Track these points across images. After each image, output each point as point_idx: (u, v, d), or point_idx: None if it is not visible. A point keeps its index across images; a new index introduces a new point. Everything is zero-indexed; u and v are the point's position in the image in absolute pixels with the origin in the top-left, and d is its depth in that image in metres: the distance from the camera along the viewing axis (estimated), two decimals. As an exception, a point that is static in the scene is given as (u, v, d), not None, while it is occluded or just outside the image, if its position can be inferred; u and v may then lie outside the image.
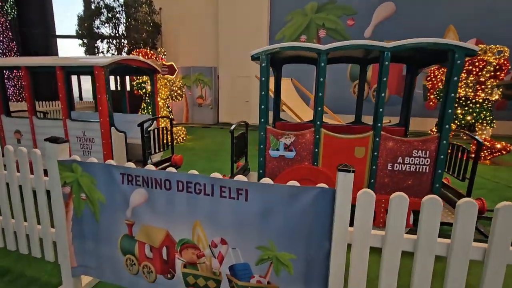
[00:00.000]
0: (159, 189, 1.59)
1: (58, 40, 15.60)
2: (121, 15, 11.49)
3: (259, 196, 1.42)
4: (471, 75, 6.71)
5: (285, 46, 2.63)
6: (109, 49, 12.47)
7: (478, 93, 6.72)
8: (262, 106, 2.76)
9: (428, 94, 8.63)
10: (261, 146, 2.82)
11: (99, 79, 3.14)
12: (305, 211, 1.37)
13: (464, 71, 6.65)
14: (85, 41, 12.05)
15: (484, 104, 6.76)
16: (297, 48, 2.61)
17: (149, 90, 7.98)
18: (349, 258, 1.37)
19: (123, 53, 12.24)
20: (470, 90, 6.82)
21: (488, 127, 6.74)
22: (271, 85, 4.50)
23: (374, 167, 2.59)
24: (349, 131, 2.80)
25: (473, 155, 2.79)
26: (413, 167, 2.55)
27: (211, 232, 1.54)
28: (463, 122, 6.99)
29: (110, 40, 12.27)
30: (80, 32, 11.74)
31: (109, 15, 11.55)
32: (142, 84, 7.79)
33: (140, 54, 8.25)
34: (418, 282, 1.30)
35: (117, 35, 12.10)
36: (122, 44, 11.94)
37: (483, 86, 6.62)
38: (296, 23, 12.21)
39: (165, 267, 1.68)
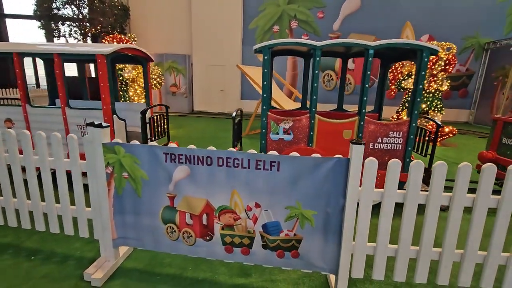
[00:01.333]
0: (200, 165, 1.89)
1: (8, 20, 14.11)
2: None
3: (289, 166, 1.79)
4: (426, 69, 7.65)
5: (285, 41, 2.98)
6: (71, 32, 11.67)
7: (431, 84, 7.70)
8: (265, 95, 3.10)
9: (390, 84, 9.58)
10: (263, 130, 3.18)
11: (102, 67, 3.21)
12: (326, 176, 1.78)
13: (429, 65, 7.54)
14: (43, 22, 11.12)
15: (436, 94, 7.78)
16: (296, 43, 2.97)
17: (126, 77, 7.80)
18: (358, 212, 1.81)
19: (88, 38, 11.53)
20: (425, 82, 7.78)
21: (439, 114, 7.79)
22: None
23: (358, 146, 3.10)
24: (336, 117, 3.26)
25: (433, 136, 3.44)
26: (389, 145, 3.11)
27: (247, 198, 1.89)
28: (420, 110, 7.97)
29: (73, 23, 11.46)
30: (38, 12, 10.79)
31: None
32: (119, 72, 7.59)
33: (115, 40, 7.98)
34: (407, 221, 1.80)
35: (80, 17, 11.32)
36: (87, 27, 11.22)
37: (435, 78, 7.61)
38: (269, 14, 12.48)
39: (204, 231, 2.00)
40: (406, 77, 8.49)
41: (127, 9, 11.86)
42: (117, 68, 7.51)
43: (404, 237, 1.81)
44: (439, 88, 7.66)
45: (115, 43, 7.92)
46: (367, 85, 3.00)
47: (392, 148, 3.11)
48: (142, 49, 3.95)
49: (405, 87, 8.10)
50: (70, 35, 11.68)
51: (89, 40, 11.79)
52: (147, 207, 2.04)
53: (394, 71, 9.31)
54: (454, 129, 7.09)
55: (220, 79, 12.94)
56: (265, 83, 3.08)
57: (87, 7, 11.09)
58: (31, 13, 12.91)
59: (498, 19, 11.56)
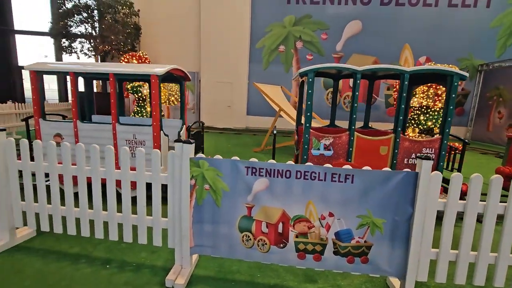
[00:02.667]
0: (279, 178, 2.09)
1: (17, 36, 14.41)
2: (99, 15, 11.09)
3: (362, 179, 2.02)
4: (431, 88, 8.12)
5: (330, 66, 3.28)
6: (82, 49, 11.98)
7: (436, 103, 8.15)
8: (308, 114, 3.36)
9: (394, 102, 10.04)
10: (306, 146, 3.42)
11: (155, 86, 3.44)
12: (395, 188, 2.00)
13: (432, 85, 8.00)
14: (57, 39, 11.41)
15: (440, 112, 8.22)
16: (339, 68, 3.28)
17: (144, 94, 8.02)
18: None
19: (98, 55, 11.82)
20: (430, 100, 8.24)
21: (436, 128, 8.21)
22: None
23: (394, 161, 3.36)
24: (370, 134, 3.53)
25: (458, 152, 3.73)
26: (422, 161, 3.36)
27: (321, 208, 2.09)
28: (425, 126, 8.38)
29: (85, 40, 11.79)
30: (53, 30, 11.09)
31: (86, 15, 11.11)
32: (139, 88, 7.82)
33: (134, 58, 8.27)
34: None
35: (93, 35, 11.65)
36: (99, 44, 11.52)
37: (440, 98, 8.06)
38: (276, 34, 13.06)
39: (279, 239, 2.17)
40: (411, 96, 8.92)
41: (139, 28, 12.26)
42: (136, 84, 7.74)
43: (465, 243, 2.03)
44: (443, 106, 8.10)
45: (134, 60, 8.20)
46: (403, 106, 3.29)
47: (425, 163, 3.37)
48: (182, 69, 4.21)
49: (411, 105, 8.52)
50: (81, 51, 11.99)
51: (98, 57, 12.07)
52: (225, 216, 2.21)
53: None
54: (460, 145, 7.47)
55: (227, 96, 13.29)
56: (309, 103, 3.35)
57: (101, 26, 11.45)
58: (39, 29, 13.22)
59: (490, 42, 12.35)
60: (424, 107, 8.47)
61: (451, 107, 3.22)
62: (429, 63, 11.07)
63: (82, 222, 2.50)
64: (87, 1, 11.29)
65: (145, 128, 3.58)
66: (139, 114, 8.14)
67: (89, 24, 11.46)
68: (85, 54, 12.09)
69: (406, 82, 3.23)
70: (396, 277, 2.13)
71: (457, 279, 2.09)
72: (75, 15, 11.00)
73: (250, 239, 2.22)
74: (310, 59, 13.13)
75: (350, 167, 2.05)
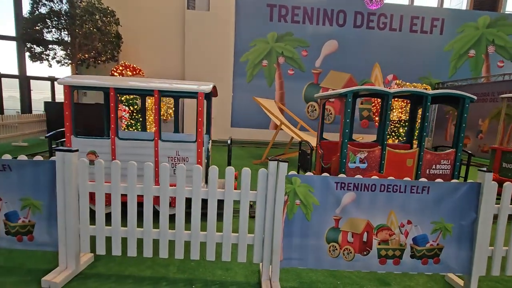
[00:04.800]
0: (366, 191, 2.33)
1: (-26, 39, 12.94)
2: (79, 21, 10.44)
3: (436, 190, 2.34)
4: (409, 104, 9.12)
5: (364, 88, 3.65)
6: (55, 56, 11.16)
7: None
8: (347, 130, 3.68)
9: (374, 116, 11.00)
10: (343, 160, 3.71)
11: (201, 103, 3.49)
12: (461, 196, 2.36)
13: (407, 101, 8.95)
14: (28, 45, 10.49)
15: (417, 125, 9.25)
16: (374, 90, 3.66)
17: (139, 107, 7.75)
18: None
19: (75, 63, 11.08)
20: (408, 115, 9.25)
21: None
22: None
23: (419, 172, 3.81)
24: (396, 148, 3.96)
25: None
26: (441, 171, 3.87)
27: (401, 217, 2.37)
28: (404, 138, 9.33)
29: (60, 47, 10.99)
30: (24, 35, 10.18)
31: (63, 21, 10.42)
32: (134, 101, 7.55)
33: (128, 69, 7.99)
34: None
35: (69, 42, 10.91)
36: (77, 52, 10.81)
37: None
38: (259, 49, 13.51)
39: (363, 247, 2.39)
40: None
41: (120, 37, 11.80)
42: (132, 97, 7.48)
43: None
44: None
45: (128, 72, 7.92)
46: (426, 124, 3.77)
47: (443, 173, 3.88)
48: (215, 86, 4.28)
49: (391, 119, 9.44)
50: (53, 58, 11.15)
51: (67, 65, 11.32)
52: (314, 229, 2.37)
53: (377, 105, 10.79)
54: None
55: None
56: (347, 120, 3.67)
57: (79, 32, 10.78)
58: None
59: (444, 64, 14.21)
60: (403, 121, 9.45)
61: (464, 125, 3.78)
62: (396, 81, 12.35)
63: (145, 242, 2.45)
64: (62, 7, 10.61)
65: (189, 144, 3.58)
66: (133, 128, 7.83)
67: (65, 31, 10.74)
68: (58, 62, 11.26)
69: (428, 103, 3.72)
70: (462, 273, 2.47)
71: (508, 271, 2.49)
72: (50, 21, 10.25)
73: (336, 249, 2.40)
74: (292, 74, 13.79)
75: (426, 180, 2.36)
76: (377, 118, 10.61)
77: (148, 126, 8.07)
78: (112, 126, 3.48)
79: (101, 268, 2.55)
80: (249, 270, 2.65)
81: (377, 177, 2.33)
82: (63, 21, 10.41)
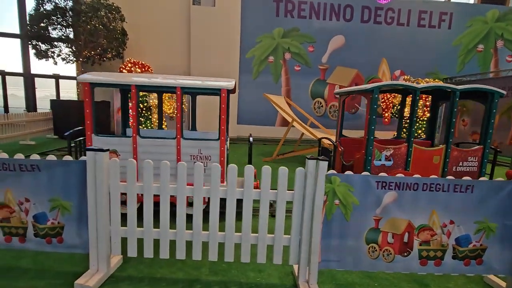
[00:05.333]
0: (408, 190, 2.25)
1: (-23, 37, 12.83)
2: (85, 18, 10.30)
3: (480, 189, 2.26)
4: (420, 100, 9.00)
5: (392, 83, 3.55)
6: (60, 53, 11.04)
7: (425, 113, 9.04)
8: (372, 127, 3.59)
9: (383, 112, 10.90)
10: (369, 157, 3.63)
11: (224, 100, 3.40)
12: (506, 195, 2.27)
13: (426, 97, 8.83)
14: (34, 42, 10.38)
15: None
16: (401, 85, 3.56)
17: (150, 104, 7.67)
18: (526, 221, 2.32)
19: (80, 60, 10.96)
20: (420, 111, 9.13)
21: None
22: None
23: (445, 169, 3.72)
24: (418, 145, 3.87)
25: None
26: (468, 168, 3.78)
27: (443, 217, 2.29)
28: (415, 134, 9.24)
29: (65, 44, 10.87)
30: (30, 33, 10.06)
31: (69, 17, 10.28)
32: (144, 98, 7.45)
33: (137, 66, 7.89)
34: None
35: (74, 39, 10.78)
36: (83, 49, 10.68)
37: (428, 108, 8.97)
38: (265, 45, 13.36)
39: (403, 248, 2.32)
40: (398, 106, 9.77)
41: (126, 34, 11.66)
42: (141, 94, 7.39)
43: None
44: (422, 116, 9.03)
45: (137, 69, 7.81)
46: (454, 120, 3.68)
47: (470, 170, 3.79)
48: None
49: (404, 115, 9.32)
50: (58, 55, 11.03)
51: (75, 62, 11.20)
52: (353, 230, 2.30)
53: (387, 101, 10.67)
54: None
55: (218, 105, 13.15)
56: (374, 117, 3.58)
57: (84, 29, 10.64)
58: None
59: (452, 59, 14.04)
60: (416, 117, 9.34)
61: (492, 121, 3.69)
62: (404, 76, 12.21)
63: (178, 244, 2.38)
64: (68, 3, 10.47)
65: (211, 142, 3.49)
66: (143, 125, 7.74)
67: (70, 28, 10.61)
68: (63, 59, 11.15)
69: (457, 99, 3.63)
70: (505, 274, 2.39)
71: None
72: (56, 17, 10.12)
73: (376, 250, 2.32)
74: (298, 70, 13.65)
75: (470, 179, 2.28)
76: (386, 114, 10.50)
77: (151, 126, 7.99)
78: (134, 124, 3.39)
79: (131, 271, 2.48)
80: (282, 272, 2.58)
81: (402, 175, 2.24)
82: (68, 17, 10.28)
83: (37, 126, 9.59)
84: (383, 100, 11.04)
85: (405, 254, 2.33)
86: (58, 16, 9.99)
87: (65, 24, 10.35)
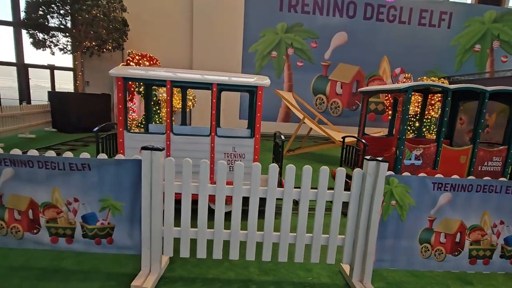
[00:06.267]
0: (462, 192, 2.29)
1: (-33, 23, 12.19)
2: (84, 7, 9.91)
3: (530, 190, 2.32)
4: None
5: (425, 83, 3.58)
6: (58, 43, 10.62)
7: (429, 112, 9.21)
8: (404, 127, 3.62)
9: (387, 109, 11.03)
10: (400, 157, 3.67)
11: (260, 98, 3.35)
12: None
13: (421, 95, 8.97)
14: (31, 31, 9.94)
15: (432, 120, 9.33)
16: (435, 86, 3.60)
17: (160, 98, 7.50)
18: None
19: (80, 51, 10.59)
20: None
21: (433, 134, 9.34)
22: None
23: (472, 169, 3.81)
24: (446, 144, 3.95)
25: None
26: (492, 167, 3.88)
27: (494, 217, 2.35)
28: (416, 132, 9.41)
29: (64, 33, 10.46)
30: (26, 21, 9.62)
31: (68, 7, 9.88)
32: (154, 92, 7.27)
33: (145, 59, 7.69)
34: None
35: (72, 28, 10.39)
36: (83, 40, 10.30)
37: (432, 107, 9.14)
38: (268, 40, 13.25)
39: (455, 247, 2.37)
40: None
41: (127, 24, 11.32)
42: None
43: None
44: (434, 115, 9.20)
45: (146, 62, 7.62)
46: (482, 120, 3.75)
47: (494, 170, 3.90)
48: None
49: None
50: (56, 45, 10.62)
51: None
52: (408, 230, 2.32)
53: (391, 99, 10.79)
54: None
55: (222, 100, 13.01)
56: (406, 117, 3.61)
57: (84, 19, 10.26)
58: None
59: (451, 58, 14.31)
60: (418, 115, 9.50)
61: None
62: (405, 74, 12.36)
63: (232, 244, 2.36)
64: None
65: (245, 140, 3.45)
66: (152, 121, 7.56)
67: (69, 17, 10.20)
68: (61, 49, 10.74)
69: (486, 100, 3.69)
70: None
71: None
72: (55, 5, 9.70)
73: (428, 250, 2.36)
74: (301, 66, 13.63)
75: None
76: (390, 112, 10.62)
77: (160, 120, 7.83)
78: (168, 120, 3.30)
79: (181, 271, 2.44)
80: (329, 271, 2.60)
81: (427, 174, 2.28)
82: (67, 5, 9.87)
83: (36, 118, 9.25)
84: (386, 98, 11.18)
85: (456, 253, 2.38)
86: (58, 3, 9.57)
87: (63, 12, 9.94)
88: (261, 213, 2.30)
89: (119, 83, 3.17)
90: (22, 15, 9.84)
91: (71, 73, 13.07)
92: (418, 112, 9.42)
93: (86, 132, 9.98)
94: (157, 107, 7.47)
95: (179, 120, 11.00)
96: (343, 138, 4.47)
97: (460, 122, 13.53)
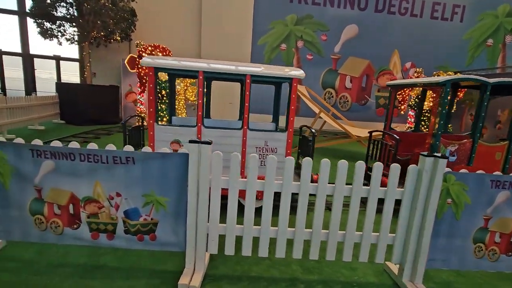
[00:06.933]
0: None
1: (-28, 12, 11.94)
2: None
3: None
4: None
5: (466, 77, 3.46)
6: (65, 33, 10.41)
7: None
8: (442, 122, 3.51)
9: (399, 105, 10.91)
10: (435, 153, 3.56)
11: (295, 90, 3.23)
12: None
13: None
14: (38, 20, 9.72)
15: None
16: (474, 79, 3.47)
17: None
18: None
19: (88, 42, 10.38)
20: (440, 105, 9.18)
21: (451, 129, 9.25)
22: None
23: (506, 166, 3.71)
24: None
25: None
26: (526, 164, 3.78)
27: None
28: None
29: (67, 23, 10.23)
30: (34, 10, 9.39)
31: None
32: (166, 84, 7.11)
33: (158, 50, 7.52)
34: None
35: (79, 18, 10.16)
36: (91, 30, 10.09)
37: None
38: (278, 32, 13.01)
39: (509, 247, 2.28)
40: (416, 99, 9.79)
41: (135, 15, 11.08)
42: (163, 79, 7.05)
43: None
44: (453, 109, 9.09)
45: (158, 53, 7.45)
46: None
47: (528, 166, 3.80)
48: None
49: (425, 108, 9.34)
50: (63, 35, 10.41)
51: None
52: (462, 229, 2.24)
53: (403, 93, 10.66)
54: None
55: (229, 93, 12.84)
56: (443, 111, 3.50)
57: (92, 8, 10.02)
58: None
59: (462, 53, 14.09)
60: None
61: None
62: (416, 69, 12.15)
63: (279, 242, 2.27)
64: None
65: (277, 134, 3.35)
66: (163, 112, 7.43)
67: (76, 6, 9.97)
68: (67, 39, 10.53)
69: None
70: None
71: None
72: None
73: (482, 250, 2.28)
74: (310, 59, 13.42)
75: None
76: (403, 107, 10.51)
77: (177, 112, 7.70)
78: (199, 113, 3.19)
79: (224, 269, 2.36)
80: (374, 270, 2.52)
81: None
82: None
83: (45, 110, 9.12)
84: (399, 93, 11.03)
85: (510, 253, 2.30)
86: (65, -7, 9.34)
87: (70, 1, 9.70)
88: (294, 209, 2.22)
89: (151, 73, 3.04)
90: (30, 4, 9.59)
91: (74, 64, 12.88)
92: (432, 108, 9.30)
93: (94, 124, 9.87)
94: (167, 100, 7.30)
95: (190, 113, 10.89)
96: (370, 132, 4.36)
97: (470, 118, 13.42)
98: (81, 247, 2.42)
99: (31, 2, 9.45)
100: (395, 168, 2.17)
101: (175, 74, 3.87)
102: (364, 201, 2.26)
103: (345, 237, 2.27)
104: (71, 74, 13.81)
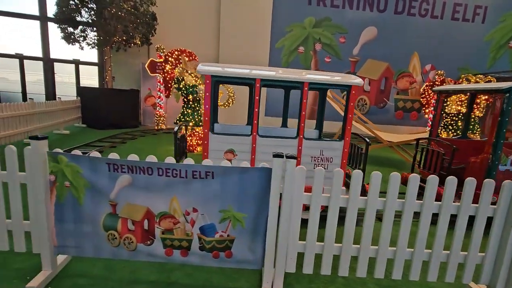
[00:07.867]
0: None
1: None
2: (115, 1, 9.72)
3: None
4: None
5: None
6: (86, 38, 10.47)
7: (474, 111, 8.84)
8: (504, 130, 3.35)
9: (424, 108, 10.71)
10: (496, 162, 3.41)
11: (353, 98, 3.12)
12: None
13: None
14: (62, 26, 9.81)
15: (476, 119, 8.98)
16: None
17: (200, 96, 7.29)
18: None
19: (109, 46, 10.43)
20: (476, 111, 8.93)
21: (477, 134, 8.99)
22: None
23: None
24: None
25: None
26: None
27: None
28: (459, 132, 9.06)
29: (89, 27, 10.30)
30: (58, 16, 9.48)
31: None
32: (194, 88, 7.07)
33: (184, 54, 7.49)
34: None
35: (101, 22, 10.21)
36: (112, 35, 10.14)
37: (478, 106, 8.77)
38: (296, 35, 12.92)
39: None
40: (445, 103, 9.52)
41: (156, 19, 11.11)
42: (190, 83, 6.99)
43: None
44: (478, 114, 8.84)
45: (185, 57, 7.41)
46: None
47: None
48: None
49: (449, 112, 9.12)
50: (84, 40, 10.48)
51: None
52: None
53: (427, 96, 10.44)
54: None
55: (246, 96, 12.78)
56: (506, 119, 3.34)
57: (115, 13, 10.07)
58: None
59: (484, 55, 13.79)
60: (462, 114, 9.14)
61: None
62: (437, 71, 11.91)
63: (361, 260, 2.15)
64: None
65: (334, 143, 3.23)
66: (189, 117, 7.38)
67: (97, 11, 10.02)
68: (88, 44, 10.60)
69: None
70: None
71: None
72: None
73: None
74: (328, 62, 13.28)
75: None
76: (427, 111, 10.30)
77: (199, 118, 7.63)
78: (255, 122, 3.10)
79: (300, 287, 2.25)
80: (453, 289, 2.38)
81: None
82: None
83: (68, 114, 9.17)
84: (423, 96, 10.82)
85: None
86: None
87: (92, 6, 9.77)
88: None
89: (207, 81, 2.96)
90: (53, 9, 9.68)
91: (90, 68, 12.98)
92: (461, 111, 9.06)
93: (115, 128, 9.89)
94: (195, 104, 7.26)
95: (218, 118, 10.81)
96: (417, 140, 4.22)
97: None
98: (147, 263, 2.33)
99: (54, 7, 9.53)
100: (489, 184, 2.03)
101: (227, 81, 3.79)
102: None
103: (431, 255, 2.14)
104: (88, 78, 13.93)
